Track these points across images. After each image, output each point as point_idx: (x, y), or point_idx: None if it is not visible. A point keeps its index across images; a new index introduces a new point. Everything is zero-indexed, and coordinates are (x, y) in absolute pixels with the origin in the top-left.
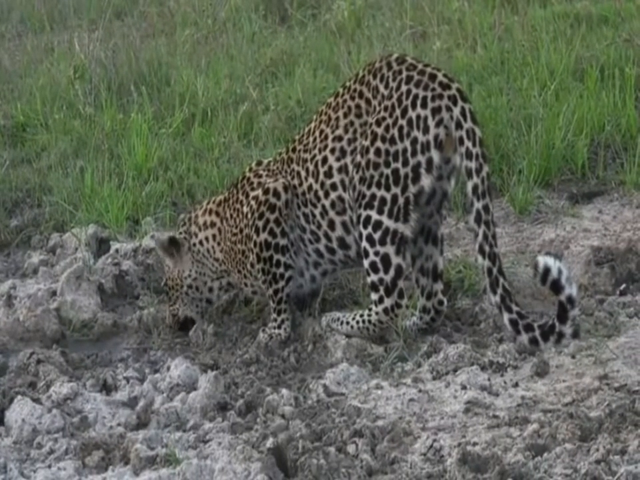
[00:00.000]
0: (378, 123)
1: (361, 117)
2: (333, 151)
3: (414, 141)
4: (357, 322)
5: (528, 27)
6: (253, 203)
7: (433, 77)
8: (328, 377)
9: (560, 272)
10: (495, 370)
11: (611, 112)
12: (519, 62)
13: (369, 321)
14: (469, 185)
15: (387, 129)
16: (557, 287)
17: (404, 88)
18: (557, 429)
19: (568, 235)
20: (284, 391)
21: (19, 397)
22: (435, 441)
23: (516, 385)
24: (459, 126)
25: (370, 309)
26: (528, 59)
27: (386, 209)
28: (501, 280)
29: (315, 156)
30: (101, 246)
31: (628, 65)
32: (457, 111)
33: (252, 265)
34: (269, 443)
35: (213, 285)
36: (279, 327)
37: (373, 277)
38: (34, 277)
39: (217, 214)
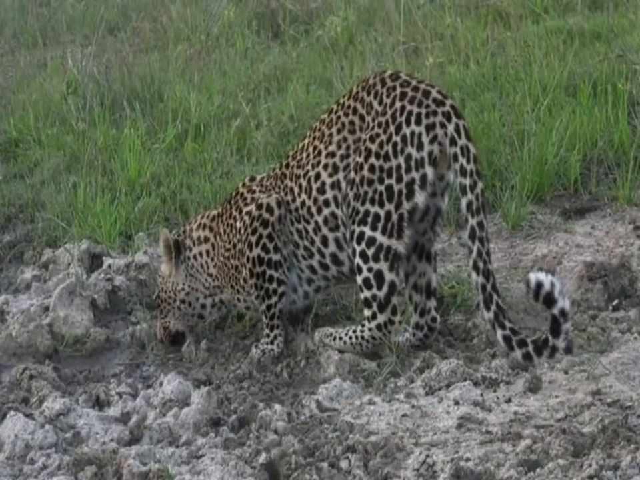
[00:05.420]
0: (372, 140)
1: (355, 133)
2: (326, 167)
3: (408, 158)
4: (350, 337)
5: (520, 42)
6: (246, 218)
7: (426, 94)
8: (321, 393)
9: (552, 285)
10: (488, 385)
11: (604, 127)
12: (511, 77)
13: (362, 337)
14: (463, 202)
15: (380, 145)
16: (549, 300)
17: (398, 104)
18: (550, 445)
19: (561, 251)
20: (277, 407)
21: (12, 412)
22: (427, 456)
23: (509, 400)
24: (453, 142)
25: (363, 325)
26: (520, 75)
27: (379, 225)
28: (495, 297)
29: (308, 172)
30: (93, 261)
31: (621, 80)
32: (451, 128)
33: (245, 281)
34: (262, 458)
35: (205, 301)
36: (272, 343)
37: (366, 293)
38: (26, 292)
39: (211, 229)
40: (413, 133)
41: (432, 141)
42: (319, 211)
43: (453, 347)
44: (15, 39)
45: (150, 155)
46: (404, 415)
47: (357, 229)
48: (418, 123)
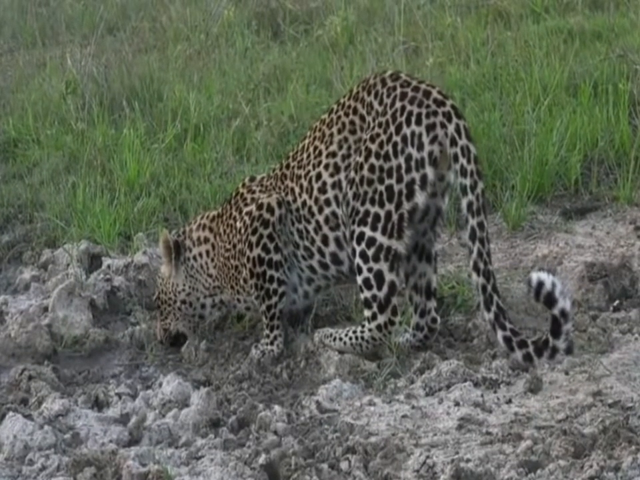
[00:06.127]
0: (372, 140)
1: (355, 133)
2: (326, 167)
3: (408, 158)
4: (350, 338)
5: (521, 42)
6: (246, 218)
7: (427, 94)
8: (321, 393)
9: (554, 285)
10: (488, 386)
11: (605, 127)
12: (511, 77)
13: (362, 338)
14: (464, 202)
15: (381, 145)
16: (550, 300)
17: (398, 104)
18: (551, 446)
19: (561, 251)
20: (276, 407)
21: (11, 413)
22: (428, 457)
23: (509, 401)
24: (453, 143)
25: (363, 326)
26: (521, 75)
27: (379, 225)
28: (495, 297)
29: (308, 172)
30: (92, 262)
31: (621, 80)
32: (451, 128)
33: (245, 281)
34: (262, 459)
35: (205, 301)
36: (272, 343)
37: (366, 294)
38: (25, 292)
39: (211, 229)
40: (413, 133)
41: (432, 141)
42: (320, 210)
43: (453, 348)
44: (13, 38)
45: (149, 155)
46: (404, 416)
47: (357, 229)
48: (418, 123)
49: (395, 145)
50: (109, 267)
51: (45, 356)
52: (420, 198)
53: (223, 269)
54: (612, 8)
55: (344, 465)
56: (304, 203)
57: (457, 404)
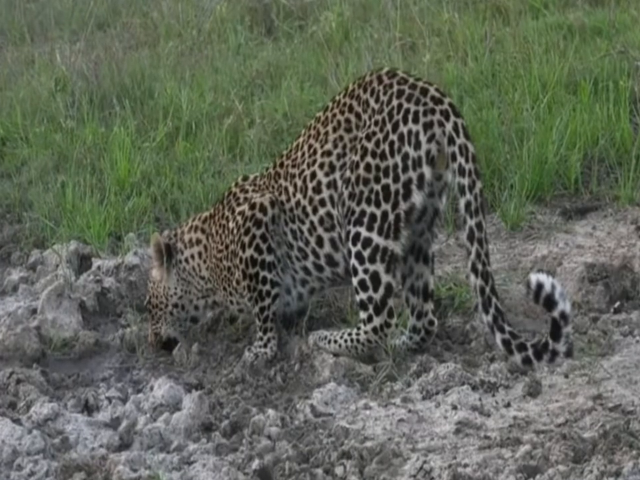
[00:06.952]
0: (368, 138)
1: (351, 131)
2: (321, 166)
3: (405, 157)
4: (345, 341)
5: (520, 38)
6: (238, 218)
7: (424, 92)
8: (315, 397)
9: (553, 287)
10: (486, 390)
11: (605, 125)
12: (510, 74)
13: (358, 340)
14: (462, 202)
15: (377, 144)
16: (550, 303)
17: (395, 102)
18: (550, 450)
19: (561, 252)
20: (270, 411)
21: None
22: (425, 462)
23: (508, 405)
24: (451, 141)
25: (359, 328)
26: (520, 72)
27: (376, 225)
28: (494, 299)
29: (303, 171)
30: (82, 263)
31: (622, 77)
32: (449, 126)
33: (237, 282)
34: (255, 464)
35: (198, 303)
36: (265, 346)
37: (362, 295)
38: (14, 294)
39: (203, 231)
40: (410, 132)
41: (429, 140)
42: (315, 210)
43: (451, 351)
44: (1, 34)
45: (140, 154)
46: (400, 420)
47: (353, 230)
48: (415, 121)
49: (392, 143)
50: (99, 267)
51: (33, 359)
52: (417, 198)
53: (215, 270)
54: (612, 3)
55: (339, 470)
56: (298, 203)
57: (454, 408)
